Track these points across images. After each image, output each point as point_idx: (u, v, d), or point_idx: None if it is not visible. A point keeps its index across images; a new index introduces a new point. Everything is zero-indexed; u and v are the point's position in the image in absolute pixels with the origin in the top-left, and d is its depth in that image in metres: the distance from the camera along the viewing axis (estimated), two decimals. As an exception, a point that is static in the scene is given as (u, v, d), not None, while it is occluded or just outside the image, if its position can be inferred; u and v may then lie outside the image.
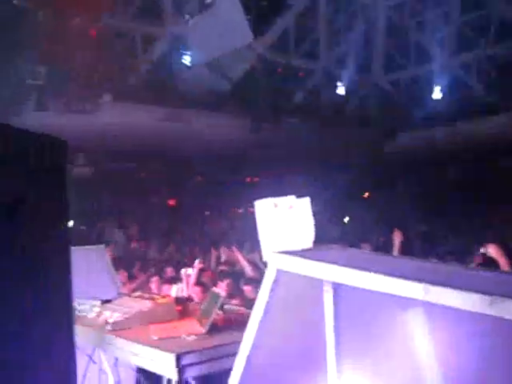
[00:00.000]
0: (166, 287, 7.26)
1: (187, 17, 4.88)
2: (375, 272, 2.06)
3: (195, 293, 6.45)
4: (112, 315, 3.95)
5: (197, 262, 7.59)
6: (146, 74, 14.69)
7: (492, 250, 4.47)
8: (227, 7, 4.55)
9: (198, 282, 6.97)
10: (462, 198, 18.26)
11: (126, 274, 8.82)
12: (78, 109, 12.82)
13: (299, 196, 3.55)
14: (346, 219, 18.88)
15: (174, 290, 6.54)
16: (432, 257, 9.02)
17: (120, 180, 16.64)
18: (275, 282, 2.66)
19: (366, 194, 21.92)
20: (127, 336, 3.63)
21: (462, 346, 1.85)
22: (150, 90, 14.24)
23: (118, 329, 3.76)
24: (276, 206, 3.48)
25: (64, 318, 2.67)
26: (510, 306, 1.67)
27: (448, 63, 18.44)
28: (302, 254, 2.69)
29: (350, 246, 4.02)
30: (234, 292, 7.11)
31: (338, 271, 2.26)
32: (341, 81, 18.45)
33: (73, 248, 3.03)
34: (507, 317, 1.67)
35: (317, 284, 2.42)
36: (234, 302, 6.20)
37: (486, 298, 1.71)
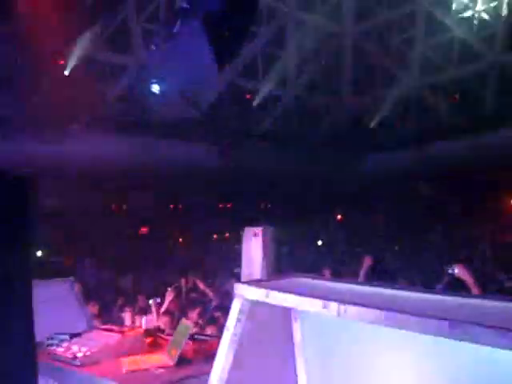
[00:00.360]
0: (138, 318, 7.18)
1: (153, 47, 4.93)
2: (334, 300, 2.07)
3: (164, 323, 6.38)
4: (80, 349, 3.87)
5: (168, 291, 7.53)
6: (116, 103, 14.68)
7: (459, 270, 4.47)
8: (191, 37, 4.59)
9: (168, 312, 6.90)
10: (434, 217, 18.51)
11: (97, 306, 8.69)
12: (47, 139, 12.72)
13: (269, 223, 3.58)
14: (320, 242, 18.95)
15: (144, 322, 6.46)
16: (402, 278, 9.09)
17: (90, 210, 16.48)
18: (242, 311, 2.65)
19: (339, 217, 22.05)
20: (95, 371, 3.56)
21: (423, 368, 1.87)
22: (120, 119, 14.22)
23: (86, 363, 3.69)
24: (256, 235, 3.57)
25: (26, 354, 2.61)
26: (468, 330, 1.69)
27: (414, 86, 18.80)
28: (268, 283, 2.69)
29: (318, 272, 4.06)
30: (209, 321, 7.06)
31: (302, 301, 2.26)
32: (309, 105, 18.67)
33: (42, 281, 2.99)
34: (466, 341, 1.69)
35: (284, 313, 2.42)
36: (209, 331, 6.16)
37: (445, 323, 1.73)
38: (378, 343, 2.01)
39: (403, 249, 17.25)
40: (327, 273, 8.15)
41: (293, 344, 2.48)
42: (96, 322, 6.44)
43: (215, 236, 20.51)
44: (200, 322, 7.45)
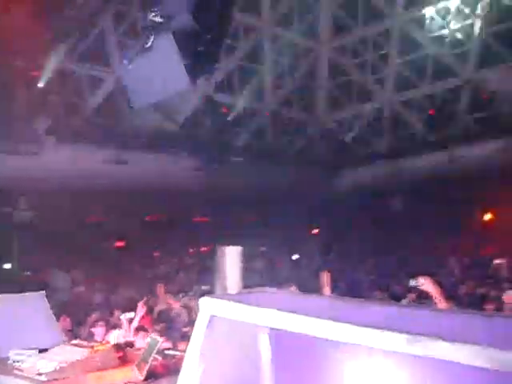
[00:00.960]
0: (110, 333, 7.10)
1: (126, 60, 4.92)
2: (302, 315, 2.09)
3: (138, 338, 6.31)
4: (47, 365, 3.82)
5: (140, 305, 7.46)
6: (92, 116, 14.63)
7: (423, 283, 4.47)
8: (165, 52, 4.61)
9: (140, 327, 6.83)
10: (407, 230, 18.65)
11: (69, 320, 8.58)
12: (21, 150, 12.60)
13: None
14: (295, 257, 18.95)
15: (114, 336, 6.39)
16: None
17: (63, 223, 16.29)
18: (207, 326, 2.64)
19: (316, 231, 22.07)
20: (62, 387, 3.52)
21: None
22: (96, 132, 14.16)
23: (53, 379, 3.64)
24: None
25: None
26: (427, 344, 1.71)
27: (388, 102, 19.04)
28: (235, 298, 2.69)
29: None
30: (181, 336, 7.01)
31: (271, 316, 2.27)
32: (287, 120, 18.81)
33: (11, 295, 2.95)
34: (425, 355, 1.71)
35: (250, 328, 2.43)
36: (181, 346, 6.11)
37: (404, 337, 1.75)
38: (345, 358, 2.02)
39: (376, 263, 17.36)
40: (293, 288, 8.19)
41: (260, 359, 2.48)
42: (67, 338, 6.35)
43: (191, 250, 20.39)
44: (172, 336, 7.40)
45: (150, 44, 5.45)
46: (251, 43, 17.71)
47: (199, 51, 4.97)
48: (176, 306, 8.55)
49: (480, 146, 16.60)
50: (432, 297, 4.39)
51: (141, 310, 7.27)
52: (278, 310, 2.30)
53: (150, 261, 18.23)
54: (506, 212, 18.47)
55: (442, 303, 4.29)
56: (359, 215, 19.14)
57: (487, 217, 19.50)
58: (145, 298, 7.88)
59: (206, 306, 2.68)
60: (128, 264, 17.01)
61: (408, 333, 1.78)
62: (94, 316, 9.11)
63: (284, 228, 18.28)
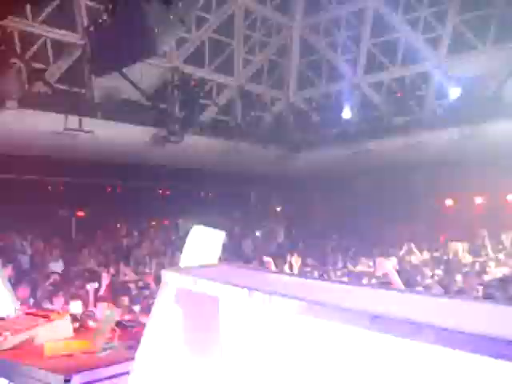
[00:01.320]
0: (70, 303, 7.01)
1: (92, 26, 4.77)
2: (260, 290, 2.08)
3: (99, 309, 6.26)
4: (1, 333, 3.74)
5: (104, 276, 7.40)
6: (57, 82, 14.28)
7: (380, 264, 4.49)
8: (134, 18, 4.48)
9: (103, 298, 6.78)
10: (368, 212, 18.91)
11: (27, 290, 8.44)
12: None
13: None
14: (258, 233, 19.04)
15: (73, 307, 6.31)
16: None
17: (24, 190, 16.01)
18: (168, 299, 2.62)
19: (279, 209, 22.20)
20: (16, 356, 3.45)
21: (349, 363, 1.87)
22: (59, 98, 13.84)
23: (7, 348, 3.57)
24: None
25: None
26: (389, 323, 1.70)
27: (358, 83, 19.09)
28: (196, 270, 2.67)
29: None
30: (145, 308, 6.98)
31: (228, 289, 2.25)
32: (255, 97, 18.71)
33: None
34: (387, 334, 1.70)
35: (212, 302, 2.40)
36: (144, 317, 6.08)
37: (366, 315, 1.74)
38: (304, 336, 2.00)
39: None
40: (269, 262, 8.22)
41: (218, 333, 2.46)
42: (24, 307, 6.24)
43: (153, 223, 20.31)
44: (134, 308, 7.37)
45: (119, 10, 5.32)
46: (223, 16, 17.48)
47: (169, 19, 4.87)
48: (134, 277, 8.51)
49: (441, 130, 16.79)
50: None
51: (106, 279, 7.20)
52: (237, 283, 2.29)
53: (112, 233, 18.09)
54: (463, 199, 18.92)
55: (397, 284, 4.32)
56: (321, 195, 19.31)
57: (447, 203, 19.88)
58: (108, 269, 7.84)
59: (167, 278, 2.65)
60: (90, 235, 16.84)
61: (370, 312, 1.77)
62: (51, 286, 8.99)
63: (247, 205, 18.35)
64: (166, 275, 2.67)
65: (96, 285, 7.52)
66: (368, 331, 1.73)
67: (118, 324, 3.92)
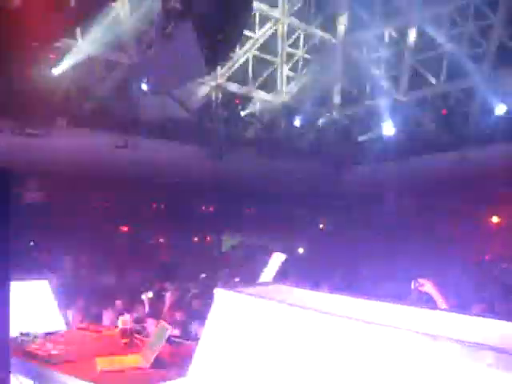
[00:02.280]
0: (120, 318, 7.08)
1: (145, 46, 4.91)
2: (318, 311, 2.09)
3: (149, 324, 6.30)
4: (55, 347, 3.83)
5: (168, 294, 7.45)
6: (104, 100, 14.59)
7: (425, 285, 4.40)
8: (184, 40, 4.58)
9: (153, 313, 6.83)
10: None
11: (80, 304, 8.55)
12: (31, 132, 12.59)
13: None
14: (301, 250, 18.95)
15: (121, 322, 6.37)
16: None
17: (72, 206, 16.35)
18: (222, 318, 2.65)
19: (321, 226, 22.09)
20: (69, 370, 3.52)
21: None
22: (106, 116, 14.14)
23: (60, 362, 3.64)
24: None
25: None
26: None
27: (402, 100, 18.93)
28: (250, 291, 2.69)
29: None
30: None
31: (284, 310, 2.27)
32: (298, 113, 18.71)
33: (15, 282, 2.93)
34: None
35: (263, 321, 2.42)
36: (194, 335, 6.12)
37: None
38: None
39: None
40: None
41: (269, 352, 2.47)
42: (75, 322, 6.36)
43: (196, 239, 20.43)
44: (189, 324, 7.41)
45: (169, 31, 5.43)
46: (267, 34, 17.64)
47: (218, 40, 4.95)
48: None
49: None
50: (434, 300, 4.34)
51: (170, 297, 7.21)
52: (291, 304, 2.31)
53: (156, 248, 18.28)
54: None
55: (443, 306, 4.23)
56: (366, 212, 19.09)
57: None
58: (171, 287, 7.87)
59: (221, 297, 2.68)
60: (135, 250, 17.04)
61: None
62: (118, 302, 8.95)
63: (292, 222, 18.27)
64: (219, 293, 2.70)
65: (150, 294, 7.57)
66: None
67: (170, 340, 3.96)
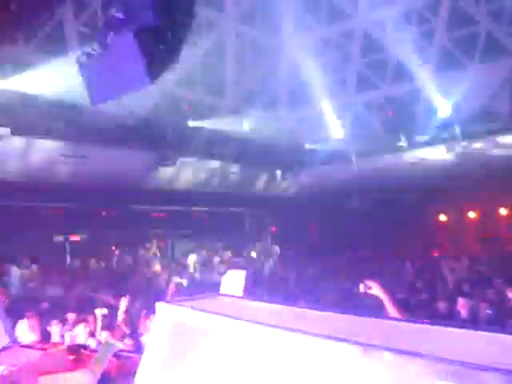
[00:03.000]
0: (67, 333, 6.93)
1: (84, 55, 4.82)
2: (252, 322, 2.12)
3: (103, 337, 6.21)
4: (-3, 368, 3.73)
5: (123, 300, 7.31)
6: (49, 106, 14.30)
7: (375, 288, 4.42)
8: (124, 50, 4.53)
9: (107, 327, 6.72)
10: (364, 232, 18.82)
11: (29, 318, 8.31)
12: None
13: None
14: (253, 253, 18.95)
15: (68, 337, 6.26)
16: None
17: (17, 215, 15.92)
18: (162, 329, 2.65)
19: (273, 229, 22.13)
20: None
21: None
22: (52, 123, 13.86)
23: (4, 383, 3.56)
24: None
25: None
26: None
27: (350, 102, 19.23)
28: (190, 304, 2.69)
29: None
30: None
31: (222, 322, 2.28)
32: (247, 117, 18.73)
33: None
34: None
35: (204, 332, 2.43)
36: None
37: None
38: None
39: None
40: None
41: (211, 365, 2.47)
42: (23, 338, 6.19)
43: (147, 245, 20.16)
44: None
45: (109, 40, 5.37)
46: (213, 39, 17.65)
47: (160, 49, 4.92)
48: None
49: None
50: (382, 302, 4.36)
51: (123, 305, 7.09)
52: (229, 316, 2.33)
53: (108, 256, 17.97)
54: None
55: (391, 309, 4.26)
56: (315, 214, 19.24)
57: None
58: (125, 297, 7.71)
59: (162, 310, 2.68)
60: (86, 258, 16.69)
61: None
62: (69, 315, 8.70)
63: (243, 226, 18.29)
64: (160, 307, 2.70)
65: (105, 311, 7.40)
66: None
67: (117, 354, 3.91)
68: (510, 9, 16.82)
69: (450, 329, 2.14)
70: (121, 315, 7.58)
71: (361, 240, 18.45)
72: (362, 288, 4.46)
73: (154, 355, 2.68)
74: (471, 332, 2.16)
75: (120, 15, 5.20)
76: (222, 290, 4.21)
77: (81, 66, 5.78)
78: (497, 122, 16.12)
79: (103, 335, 6.51)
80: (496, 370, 1.53)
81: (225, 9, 17.77)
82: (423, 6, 17.76)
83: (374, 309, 4.28)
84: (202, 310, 2.52)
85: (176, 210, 18.20)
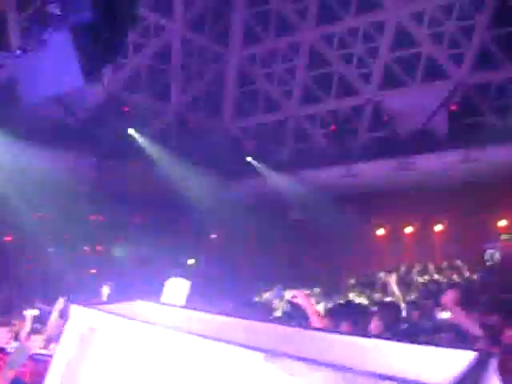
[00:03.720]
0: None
1: (19, 50, 4.69)
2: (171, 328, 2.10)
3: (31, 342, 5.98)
4: None
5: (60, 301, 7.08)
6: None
7: (299, 298, 4.44)
8: (61, 46, 4.43)
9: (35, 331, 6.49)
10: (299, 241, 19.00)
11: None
12: None
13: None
14: (191, 261, 18.84)
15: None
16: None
17: None
18: (74, 334, 2.59)
19: (214, 236, 22.03)
20: None
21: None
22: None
23: None
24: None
25: None
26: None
27: (294, 114, 19.44)
28: (108, 308, 2.64)
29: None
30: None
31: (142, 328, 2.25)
32: (191, 124, 18.69)
33: None
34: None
35: (122, 339, 2.39)
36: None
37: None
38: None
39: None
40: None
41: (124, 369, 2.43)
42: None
43: (85, 249, 19.75)
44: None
45: (46, 36, 5.26)
46: (161, 43, 17.55)
47: (98, 48, 4.84)
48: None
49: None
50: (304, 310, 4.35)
51: (60, 304, 6.87)
52: (143, 321, 2.30)
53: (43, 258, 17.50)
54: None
55: (314, 318, 4.27)
56: (258, 224, 19.29)
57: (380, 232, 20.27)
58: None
59: (76, 313, 2.62)
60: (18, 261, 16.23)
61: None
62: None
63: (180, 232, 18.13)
64: (74, 310, 2.63)
65: (37, 312, 7.16)
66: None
67: (34, 358, 3.81)
68: (450, 33, 17.42)
69: (357, 339, 2.17)
70: (53, 317, 7.37)
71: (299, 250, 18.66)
72: (288, 296, 4.49)
73: (63, 359, 2.62)
74: (380, 342, 2.19)
75: (57, 11, 5.10)
76: (163, 298, 4.15)
77: (16, 62, 5.66)
78: (433, 140, 16.64)
79: (28, 339, 6.31)
80: (390, 378, 1.56)
81: (173, 14, 17.70)
82: (370, 24, 18.17)
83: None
84: (117, 315, 2.48)
85: (113, 214, 17.90)
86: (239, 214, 18.12)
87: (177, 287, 4.22)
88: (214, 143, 19.31)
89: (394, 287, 8.77)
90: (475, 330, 4.75)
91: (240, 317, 2.53)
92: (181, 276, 4.30)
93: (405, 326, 6.39)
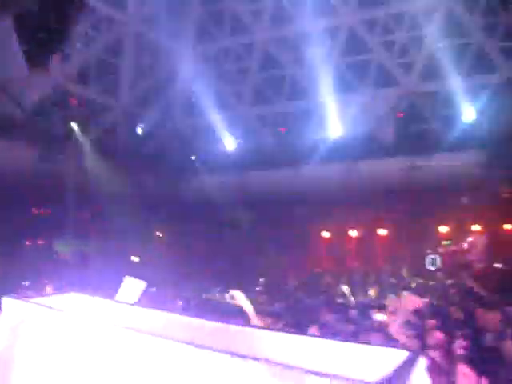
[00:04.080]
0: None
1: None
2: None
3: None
4: None
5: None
6: None
7: (236, 297, 4.42)
8: (3, 37, 4.32)
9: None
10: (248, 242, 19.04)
11: None
12: None
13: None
14: (137, 259, 18.61)
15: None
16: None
17: None
18: (8, 327, 2.53)
19: (159, 234, 21.82)
20: None
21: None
22: None
23: None
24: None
25: None
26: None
27: (244, 114, 19.45)
28: (43, 301, 2.59)
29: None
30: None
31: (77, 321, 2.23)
32: (140, 121, 18.45)
33: None
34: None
35: (54, 330, 2.35)
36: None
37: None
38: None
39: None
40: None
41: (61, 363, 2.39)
42: None
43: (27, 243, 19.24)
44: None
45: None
46: (112, 37, 17.25)
47: (42, 37, 4.74)
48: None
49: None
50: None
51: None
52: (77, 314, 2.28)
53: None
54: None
55: (255, 319, 4.24)
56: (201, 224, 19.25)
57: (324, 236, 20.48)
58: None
59: (9, 306, 2.56)
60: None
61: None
62: None
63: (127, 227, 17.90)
64: (6, 302, 2.58)
65: None
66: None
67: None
68: (401, 44, 17.78)
69: (292, 336, 2.19)
70: None
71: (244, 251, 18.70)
72: (229, 297, 4.49)
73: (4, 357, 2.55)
74: (315, 340, 2.22)
75: (0, -1, 4.98)
76: (118, 296, 4.17)
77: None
78: (380, 146, 16.91)
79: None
80: (317, 373, 1.58)
81: (127, 7, 17.41)
82: (323, 28, 18.28)
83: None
84: (50, 308, 2.44)
85: (60, 209, 17.54)
86: (186, 213, 18.06)
87: (132, 286, 4.28)
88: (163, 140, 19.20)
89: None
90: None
91: (173, 313, 2.53)
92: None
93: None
